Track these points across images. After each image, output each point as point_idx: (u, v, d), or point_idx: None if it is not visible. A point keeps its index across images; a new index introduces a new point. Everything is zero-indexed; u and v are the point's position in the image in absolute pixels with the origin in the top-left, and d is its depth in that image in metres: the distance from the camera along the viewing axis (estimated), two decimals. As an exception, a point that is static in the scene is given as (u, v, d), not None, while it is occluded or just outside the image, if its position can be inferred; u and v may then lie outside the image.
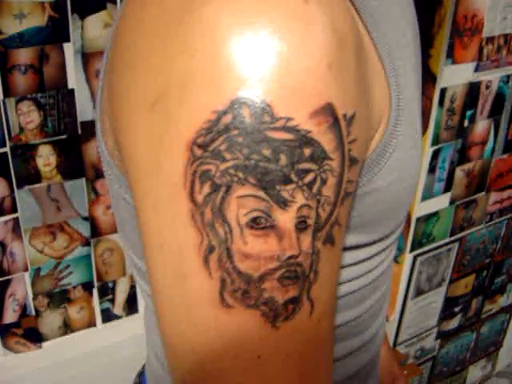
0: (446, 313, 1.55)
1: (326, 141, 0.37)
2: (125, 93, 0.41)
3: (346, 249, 0.52)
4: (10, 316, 1.17)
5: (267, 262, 0.38)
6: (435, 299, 1.48)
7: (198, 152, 0.36)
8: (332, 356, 0.45)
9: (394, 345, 1.45)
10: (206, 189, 0.37)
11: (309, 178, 0.37)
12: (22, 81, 1.02)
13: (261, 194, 0.37)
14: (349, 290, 0.56)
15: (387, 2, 0.46)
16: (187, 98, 0.36)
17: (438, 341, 1.59)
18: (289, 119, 0.36)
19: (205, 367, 0.40)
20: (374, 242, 0.54)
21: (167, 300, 0.41)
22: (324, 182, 0.38)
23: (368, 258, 0.55)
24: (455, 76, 1.15)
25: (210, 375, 0.40)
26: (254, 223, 0.37)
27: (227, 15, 0.35)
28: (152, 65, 0.38)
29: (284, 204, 0.37)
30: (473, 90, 1.20)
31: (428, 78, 1.13)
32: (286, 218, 0.37)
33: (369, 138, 0.43)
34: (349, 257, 0.53)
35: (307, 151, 0.37)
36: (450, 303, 1.53)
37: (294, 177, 0.37)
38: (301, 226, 0.38)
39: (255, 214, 0.37)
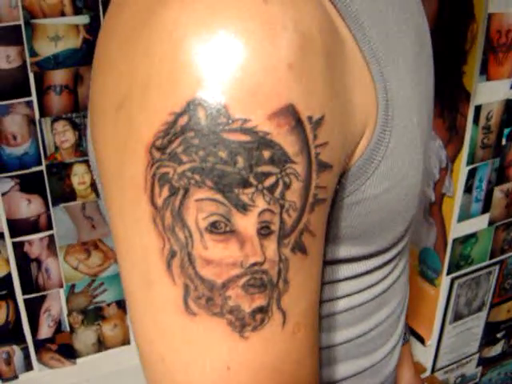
0: (488, 339, 1.50)
1: (288, 143, 0.36)
2: (97, 98, 0.41)
3: (340, 261, 0.50)
4: (45, 331, 1.19)
5: (229, 269, 0.36)
6: (475, 324, 1.44)
7: (157, 155, 0.36)
8: (316, 372, 0.43)
9: (433, 370, 1.41)
10: (165, 192, 0.36)
11: (269, 181, 0.36)
12: (57, 101, 1.05)
13: (219, 197, 0.35)
14: (348, 306, 0.54)
15: (376, 5, 0.45)
16: (147, 101, 0.36)
17: (480, 368, 1.53)
18: (246, 120, 0.35)
19: (174, 378, 0.39)
20: (372, 256, 0.52)
21: (136, 306, 0.40)
22: (287, 186, 0.36)
23: (367, 272, 0.53)
24: (490, 93, 1.12)
25: None
26: (214, 228, 0.36)
27: (185, 17, 0.35)
28: (118, 68, 0.38)
29: (243, 208, 0.36)
30: (509, 108, 1.17)
31: (462, 95, 1.11)
32: (246, 223, 0.36)
33: (348, 143, 0.42)
34: (345, 270, 0.51)
35: (266, 154, 0.35)
36: (491, 329, 1.48)
37: (252, 180, 0.35)
38: (264, 231, 0.36)
39: (214, 218, 0.36)
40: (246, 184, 0.35)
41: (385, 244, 0.51)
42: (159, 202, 0.36)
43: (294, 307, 0.39)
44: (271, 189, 0.36)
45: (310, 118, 0.37)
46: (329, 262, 0.49)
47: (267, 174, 0.36)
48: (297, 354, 0.40)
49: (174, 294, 0.37)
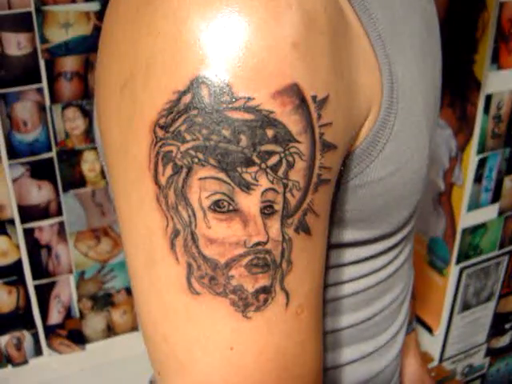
0: (496, 329, 1.49)
1: (292, 122, 0.36)
2: (102, 79, 0.41)
3: (345, 245, 0.50)
4: (55, 317, 1.20)
5: (233, 248, 0.37)
6: (484, 314, 1.43)
7: (160, 133, 0.36)
8: (320, 355, 0.43)
9: (441, 360, 1.41)
10: (169, 170, 0.36)
11: (273, 160, 0.36)
12: (67, 88, 1.06)
13: (222, 176, 0.36)
14: (353, 290, 0.54)
15: None
16: (150, 80, 0.36)
17: (488, 358, 1.53)
18: (249, 99, 0.35)
19: (177, 357, 0.39)
20: (377, 240, 0.52)
21: (140, 286, 0.40)
22: (291, 165, 0.36)
23: (372, 257, 0.53)
24: (501, 82, 1.11)
25: (182, 366, 0.39)
26: (217, 206, 0.36)
27: None
28: (123, 49, 0.38)
29: (246, 187, 0.36)
30: (521, 97, 1.16)
31: (472, 84, 1.11)
32: (249, 202, 0.36)
33: (352, 124, 0.42)
34: (349, 254, 0.51)
35: (270, 132, 0.35)
36: (499, 319, 1.48)
37: (256, 159, 0.36)
38: (267, 211, 0.37)
39: (217, 196, 0.36)
40: (249, 163, 0.35)
41: (390, 228, 0.51)
42: (162, 180, 0.37)
43: (297, 288, 0.39)
44: (274, 168, 0.36)
45: (314, 98, 0.37)
46: (334, 246, 0.49)
47: (270, 153, 0.36)
48: (300, 336, 0.40)
49: (178, 273, 0.37)
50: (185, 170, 0.36)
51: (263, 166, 0.36)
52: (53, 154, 1.08)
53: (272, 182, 0.36)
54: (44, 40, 1.00)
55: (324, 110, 0.37)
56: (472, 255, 1.31)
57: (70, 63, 1.04)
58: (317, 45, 0.37)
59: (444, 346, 1.39)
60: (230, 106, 0.35)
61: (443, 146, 1.20)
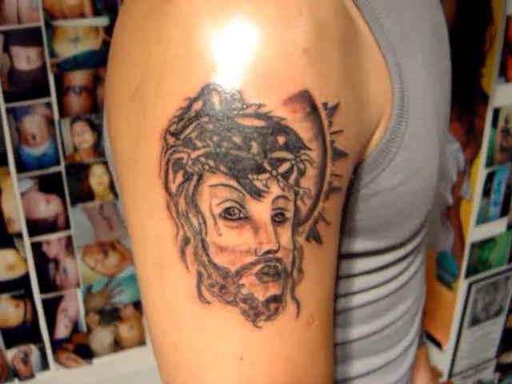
0: (506, 344, 1.48)
1: (303, 129, 0.36)
2: (112, 87, 0.41)
3: (356, 255, 0.50)
4: (62, 331, 1.20)
5: (243, 256, 0.36)
6: (493, 329, 1.42)
7: (171, 140, 0.36)
8: (331, 366, 0.43)
9: (450, 375, 1.39)
10: (179, 178, 0.36)
11: (284, 167, 0.36)
12: (76, 102, 1.06)
13: (233, 183, 0.35)
14: (364, 301, 0.53)
15: None
16: (161, 87, 0.36)
17: (498, 374, 1.51)
18: (260, 105, 0.35)
19: (187, 367, 0.39)
20: (388, 250, 0.51)
21: (149, 295, 0.40)
22: (302, 172, 0.36)
23: (383, 267, 0.52)
24: (509, 95, 1.11)
25: (192, 376, 0.39)
26: (228, 214, 0.36)
27: (200, 3, 0.35)
28: (133, 56, 0.38)
29: (257, 194, 0.36)
30: (528, 111, 1.16)
31: (480, 97, 1.10)
32: (260, 210, 0.36)
33: (363, 132, 0.41)
34: (360, 264, 0.51)
35: (281, 139, 0.35)
36: (509, 334, 1.46)
37: (267, 166, 0.35)
38: (278, 218, 0.36)
39: (228, 204, 0.36)
40: (260, 170, 0.35)
41: (400, 238, 0.51)
42: (173, 188, 0.36)
43: (308, 297, 0.39)
44: (286, 175, 0.36)
45: (325, 105, 0.36)
46: (344, 256, 0.49)
47: (282, 160, 0.36)
48: (310, 346, 0.40)
49: (188, 281, 0.37)
50: (195, 178, 0.36)
51: (274, 173, 0.36)
52: (61, 167, 1.09)
53: (283, 190, 0.36)
54: (53, 54, 1.01)
55: (335, 117, 0.37)
56: (481, 269, 1.30)
57: (78, 77, 1.05)
58: (327, 52, 0.37)
59: (453, 361, 1.38)
60: (241, 112, 0.35)
61: (451, 159, 1.20)
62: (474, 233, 1.24)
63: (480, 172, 1.17)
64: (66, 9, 1.00)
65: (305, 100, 0.35)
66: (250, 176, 0.35)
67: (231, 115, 0.35)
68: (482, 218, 1.23)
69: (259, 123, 0.35)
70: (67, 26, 1.01)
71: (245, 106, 0.35)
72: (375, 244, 0.50)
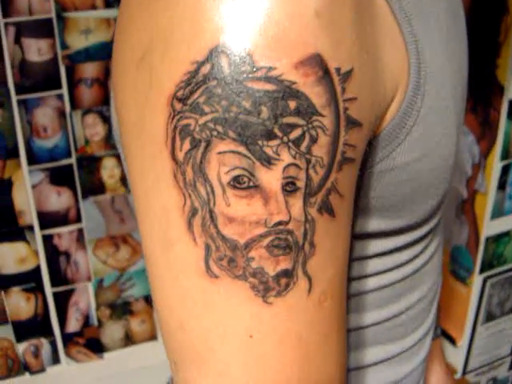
0: (521, 341, 1.47)
1: (315, 94, 0.34)
2: (118, 56, 0.40)
3: (370, 235, 0.48)
4: (73, 325, 1.19)
5: (253, 228, 0.35)
6: (508, 326, 1.40)
7: (178, 106, 0.34)
8: (343, 349, 0.41)
9: (464, 372, 1.37)
10: (187, 145, 0.35)
11: (295, 133, 0.34)
12: (87, 94, 1.06)
13: (242, 149, 0.34)
14: (378, 285, 0.52)
15: None
16: (168, 52, 0.35)
17: (513, 371, 1.50)
18: (270, 69, 0.33)
19: (194, 346, 0.37)
20: (403, 231, 0.50)
21: (155, 270, 0.39)
22: (314, 140, 0.35)
23: (397, 249, 0.51)
24: (525, 87, 1.10)
25: (199, 355, 0.37)
26: (237, 182, 0.34)
27: None
28: (140, 23, 0.37)
29: (268, 162, 0.34)
30: (545, 102, 1.14)
31: (495, 88, 1.09)
32: (270, 178, 0.34)
33: (378, 103, 0.40)
34: (374, 245, 0.49)
35: (292, 104, 0.34)
36: (525, 331, 1.45)
37: (277, 131, 0.34)
38: (289, 188, 0.35)
39: (237, 172, 0.34)
40: (270, 136, 0.34)
41: (416, 218, 0.50)
42: (180, 156, 0.35)
43: (320, 273, 0.38)
44: (297, 142, 0.34)
45: (338, 70, 0.35)
46: (358, 237, 0.48)
47: (293, 126, 0.34)
48: (323, 326, 0.39)
49: (195, 254, 0.36)
50: (203, 144, 0.34)
51: (285, 139, 0.34)
52: (72, 160, 1.08)
53: (294, 157, 0.35)
54: (64, 46, 1.01)
55: (348, 83, 0.36)
56: (496, 264, 1.28)
57: (90, 69, 1.04)
58: (341, 15, 0.35)
59: (467, 357, 1.36)
60: (251, 75, 0.33)
61: (466, 152, 1.18)
62: (489, 227, 1.22)
63: (495, 165, 1.15)
64: (78, 0, 0.99)
65: (317, 64, 0.34)
66: (259, 142, 0.34)
67: (240, 79, 0.33)
68: (497, 212, 1.22)
69: (269, 87, 0.33)
70: (79, 18, 1.01)
71: (254, 69, 0.33)
72: (390, 224, 0.48)
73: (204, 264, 0.36)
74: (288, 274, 0.36)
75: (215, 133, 0.34)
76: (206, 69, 0.34)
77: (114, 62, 0.41)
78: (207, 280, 0.36)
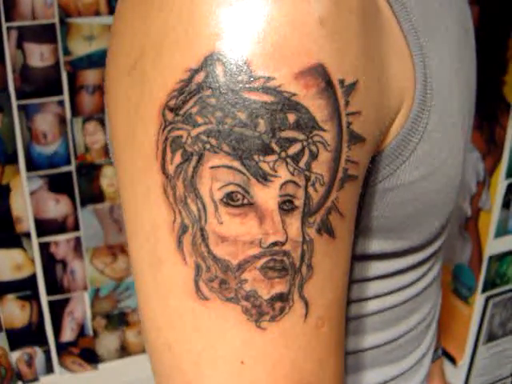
0: (523, 362, 1.45)
1: (316, 107, 0.32)
2: (111, 63, 0.38)
3: (371, 257, 0.46)
4: (68, 335, 1.17)
5: (246, 248, 0.33)
6: (510, 346, 1.38)
7: (170, 116, 0.32)
8: (341, 375, 0.39)
9: (464, 393, 1.36)
10: (178, 158, 0.33)
11: (294, 149, 0.32)
12: (89, 101, 1.05)
13: (236, 164, 0.32)
14: (378, 308, 0.50)
15: None
16: (161, 58, 0.33)
17: (514, 393, 1.48)
18: (269, 79, 0.31)
19: (182, 370, 0.35)
20: (406, 253, 0.48)
21: (143, 288, 0.37)
22: (314, 156, 0.33)
23: (400, 272, 0.49)
24: (532, 104, 1.09)
25: (188, 380, 0.35)
26: (230, 199, 0.32)
27: None
28: (133, 28, 0.35)
29: (264, 178, 0.32)
30: (552, 120, 1.13)
31: (502, 105, 1.08)
32: (266, 196, 0.32)
33: (383, 117, 0.38)
34: (376, 267, 0.47)
35: (291, 117, 0.32)
36: (526, 352, 1.43)
37: (275, 146, 0.32)
38: (286, 206, 0.33)
39: (231, 188, 0.32)
40: (267, 150, 0.32)
41: (420, 240, 0.48)
42: (170, 169, 0.33)
43: (318, 297, 0.35)
44: (296, 158, 0.32)
45: (341, 82, 0.33)
46: (358, 258, 0.46)
47: (292, 141, 0.32)
48: (319, 352, 0.36)
49: (185, 274, 0.34)
50: (195, 158, 0.32)
51: (283, 154, 0.32)
52: (72, 167, 1.07)
53: (292, 174, 0.33)
54: (67, 52, 1.00)
55: (352, 96, 0.34)
56: (499, 284, 1.27)
57: (92, 76, 1.03)
58: (346, 24, 0.33)
59: (468, 377, 1.34)
60: (248, 86, 0.31)
61: (470, 169, 1.17)
62: (493, 245, 1.21)
63: (500, 183, 1.14)
64: (82, 6, 0.98)
65: (319, 75, 0.32)
66: (255, 157, 0.32)
67: (236, 88, 0.31)
68: (501, 231, 1.20)
69: (267, 98, 0.31)
70: (82, 24, 0.99)
71: (252, 79, 0.31)
72: (392, 245, 0.46)
73: (194, 285, 0.34)
74: (283, 297, 0.34)
75: (208, 146, 0.32)
76: (200, 77, 0.32)
77: (108, 69, 0.39)
78: (197, 302, 0.34)
